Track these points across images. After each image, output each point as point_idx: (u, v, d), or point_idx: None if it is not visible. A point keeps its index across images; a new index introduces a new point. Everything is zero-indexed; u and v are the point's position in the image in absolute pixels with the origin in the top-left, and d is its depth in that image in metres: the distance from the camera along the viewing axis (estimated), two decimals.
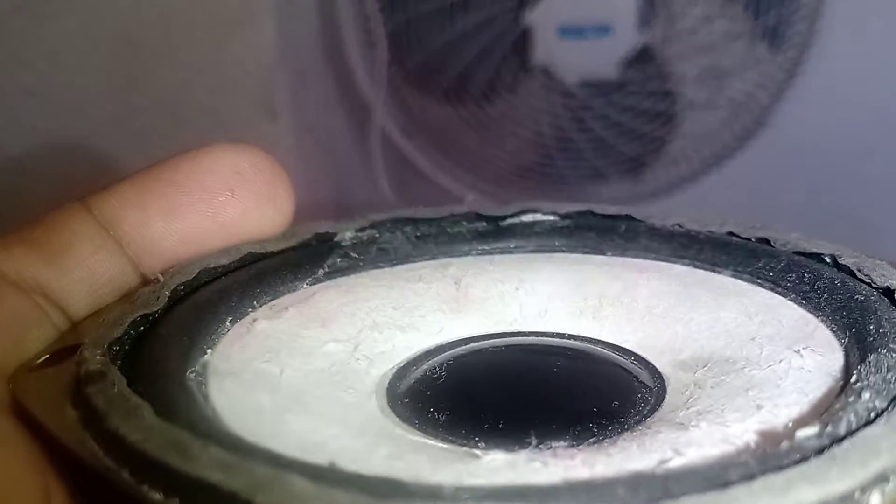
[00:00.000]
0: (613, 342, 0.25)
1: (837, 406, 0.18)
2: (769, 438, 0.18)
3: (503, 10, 0.72)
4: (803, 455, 0.16)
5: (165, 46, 0.69)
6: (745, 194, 0.74)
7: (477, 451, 0.18)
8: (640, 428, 0.20)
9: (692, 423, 0.20)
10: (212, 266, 0.25)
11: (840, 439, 0.16)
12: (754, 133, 0.74)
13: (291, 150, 0.79)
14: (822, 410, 0.18)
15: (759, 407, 0.20)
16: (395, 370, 0.24)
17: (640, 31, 0.71)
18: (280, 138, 0.77)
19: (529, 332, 0.26)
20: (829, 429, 0.16)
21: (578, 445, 0.19)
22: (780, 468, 0.15)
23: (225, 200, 0.25)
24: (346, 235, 0.28)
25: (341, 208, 0.83)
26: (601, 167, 0.78)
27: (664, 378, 0.23)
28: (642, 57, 0.72)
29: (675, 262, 0.27)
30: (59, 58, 0.63)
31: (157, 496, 0.16)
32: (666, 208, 0.75)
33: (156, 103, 0.70)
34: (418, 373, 0.24)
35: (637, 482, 0.15)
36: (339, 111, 0.82)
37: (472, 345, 0.25)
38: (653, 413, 0.21)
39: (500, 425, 0.21)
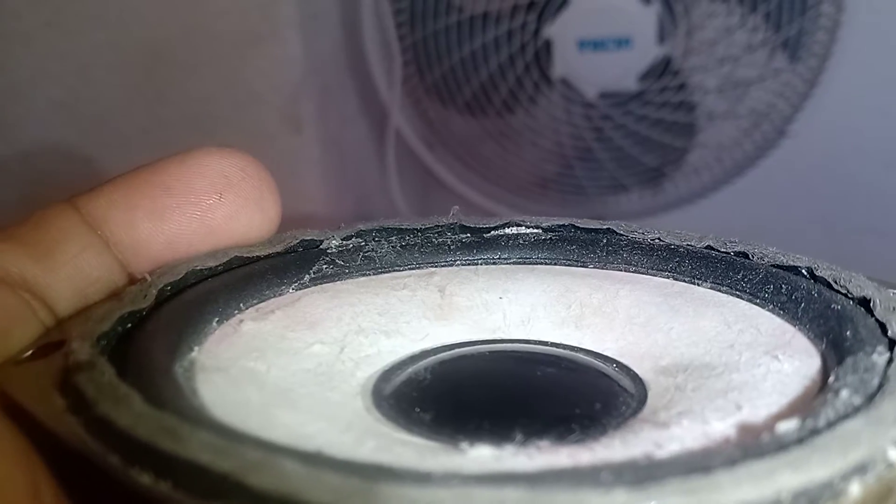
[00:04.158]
0: (595, 350, 0.25)
1: (816, 403, 0.18)
2: (750, 433, 0.18)
3: (523, 23, 0.72)
4: (784, 445, 0.16)
5: (192, 61, 0.70)
6: (765, 204, 0.74)
7: (463, 446, 0.18)
8: (623, 427, 0.20)
9: (674, 422, 0.20)
10: (199, 268, 0.25)
11: (820, 431, 0.16)
12: (774, 143, 0.74)
13: (316, 162, 0.79)
14: (801, 409, 0.18)
15: (738, 407, 0.20)
16: (380, 373, 0.24)
17: (660, 43, 0.71)
18: (305, 151, 0.78)
19: (513, 340, 0.26)
20: (808, 422, 0.16)
21: (562, 443, 0.19)
22: (762, 456, 0.15)
23: (212, 203, 0.25)
24: (333, 243, 0.28)
25: (364, 220, 0.84)
26: (622, 178, 0.78)
27: (645, 383, 0.23)
28: (662, 69, 0.72)
29: (655, 275, 0.27)
30: (87, 72, 0.64)
31: (147, 479, 0.16)
32: (684, 220, 0.75)
33: (182, 117, 0.71)
34: (403, 376, 0.24)
35: (621, 467, 0.15)
36: (362, 124, 0.83)
37: (457, 350, 0.25)
38: (635, 414, 0.22)
39: (485, 426, 0.21)
